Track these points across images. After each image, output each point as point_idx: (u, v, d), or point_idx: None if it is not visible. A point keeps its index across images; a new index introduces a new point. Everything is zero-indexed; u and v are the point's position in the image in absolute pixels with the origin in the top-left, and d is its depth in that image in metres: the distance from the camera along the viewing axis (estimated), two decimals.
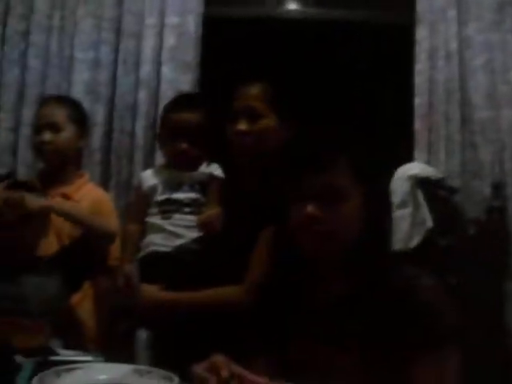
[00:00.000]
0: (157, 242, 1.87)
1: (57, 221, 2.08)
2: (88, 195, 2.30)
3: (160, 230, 1.88)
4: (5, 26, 3.19)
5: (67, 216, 2.08)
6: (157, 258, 1.86)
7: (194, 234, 1.87)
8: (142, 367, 1.27)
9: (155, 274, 1.82)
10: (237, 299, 1.62)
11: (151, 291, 1.75)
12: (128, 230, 1.96)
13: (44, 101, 2.44)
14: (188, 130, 1.90)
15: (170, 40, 3.14)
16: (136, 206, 2.03)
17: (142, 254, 1.90)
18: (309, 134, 1.38)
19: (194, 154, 1.92)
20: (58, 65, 3.17)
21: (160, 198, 1.91)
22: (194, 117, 1.92)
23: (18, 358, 1.18)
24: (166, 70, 3.10)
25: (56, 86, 3.14)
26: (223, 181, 1.95)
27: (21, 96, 3.14)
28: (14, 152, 3.09)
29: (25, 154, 3.02)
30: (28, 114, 3.01)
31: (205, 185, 1.95)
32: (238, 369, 1.09)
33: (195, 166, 1.95)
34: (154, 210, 1.92)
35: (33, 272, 1.87)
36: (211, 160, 2.01)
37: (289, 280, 1.37)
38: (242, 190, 1.86)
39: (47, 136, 2.25)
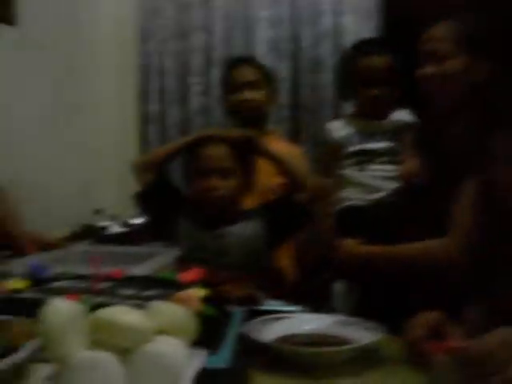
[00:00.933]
0: (353, 196, 1.84)
1: (262, 177, 2.08)
2: (282, 151, 2.30)
3: (356, 183, 1.84)
4: None
5: (281, 161, 1.97)
6: (354, 211, 1.83)
7: (391, 185, 1.81)
8: (346, 318, 1.27)
9: (353, 228, 1.79)
10: (444, 254, 1.49)
11: (350, 245, 1.72)
12: (322, 183, 1.94)
13: (235, 62, 2.47)
14: (379, 75, 1.82)
15: None
16: (327, 158, 2.00)
17: (338, 207, 1.88)
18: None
19: (385, 100, 1.85)
20: (241, 26, 3.24)
21: (353, 148, 1.87)
22: (384, 61, 1.84)
23: (229, 307, 1.23)
24: (348, 20, 3.03)
25: (240, 46, 3.21)
26: (416, 127, 1.86)
27: (208, 59, 3.26)
28: (207, 113, 3.24)
29: (216, 114, 3.15)
30: (216, 76, 3.12)
31: (397, 133, 1.87)
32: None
33: (386, 114, 1.88)
34: (348, 161, 1.88)
35: (235, 225, 1.92)
36: (401, 106, 1.93)
37: (498, 232, 1.27)
38: (439, 137, 1.75)
39: (247, 94, 2.30)
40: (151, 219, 2.09)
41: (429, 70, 1.64)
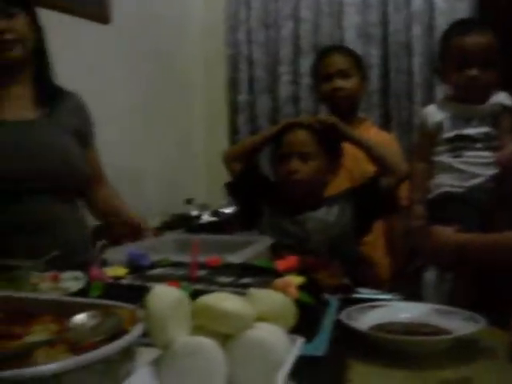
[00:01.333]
0: (448, 183, 1.78)
1: (348, 161, 2.09)
2: (374, 139, 2.28)
3: (451, 169, 1.78)
4: None
5: (366, 146, 1.98)
6: (449, 199, 1.77)
7: (488, 172, 1.75)
8: (443, 307, 1.25)
9: (447, 216, 1.74)
10: None
11: (446, 233, 1.67)
12: (415, 170, 1.90)
13: (326, 50, 2.46)
14: (478, 54, 1.74)
15: None
16: (421, 144, 1.94)
17: (432, 194, 1.83)
18: None
19: (484, 82, 1.76)
20: (329, 13, 3.21)
21: (448, 134, 1.81)
22: (484, 39, 1.75)
23: (325, 295, 1.23)
24: (440, 1, 2.94)
25: (328, 34, 3.19)
26: None
27: (297, 48, 3.25)
28: (296, 102, 3.24)
29: (306, 103, 3.15)
30: (305, 65, 3.11)
31: (496, 117, 1.79)
32: None
33: (485, 97, 1.80)
34: (443, 147, 1.82)
35: (317, 211, 1.93)
36: (500, 88, 1.84)
37: None
38: None
39: (339, 82, 2.30)
40: (241, 208, 2.13)
41: None
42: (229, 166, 2.06)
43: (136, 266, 1.21)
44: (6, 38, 1.70)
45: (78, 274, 1.21)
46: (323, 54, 2.44)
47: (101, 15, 2.73)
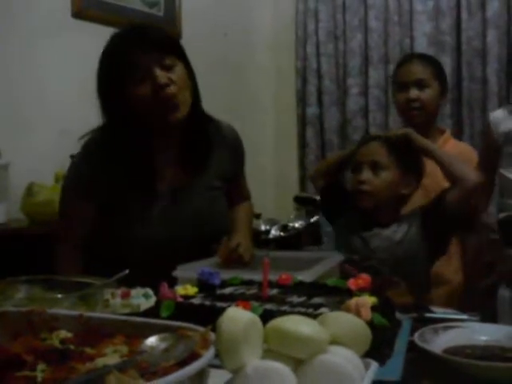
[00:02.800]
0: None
1: (426, 178, 1.96)
2: (453, 151, 2.20)
3: None
4: None
5: (438, 156, 1.85)
6: None
7: None
8: None
9: None
10: None
11: None
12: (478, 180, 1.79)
13: (406, 58, 2.40)
14: None
15: None
16: (485, 153, 1.83)
17: (503, 215, 1.73)
18: None
19: None
20: (398, 22, 3.16)
21: None
22: None
23: (397, 315, 1.20)
24: None
25: (398, 43, 3.14)
26: None
27: (365, 59, 3.22)
28: (365, 115, 3.20)
29: (375, 115, 3.10)
30: (374, 76, 3.08)
31: None
32: None
33: None
34: (510, 158, 1.71)
35: (387, 228, 1.87)
36: None
37: None
38: None
39: (415, 93, 2.23)
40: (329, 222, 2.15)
41: None
42: (314, 183, 2.10)
43: (206, 285, 1.21)
44: (170, 91, 1.53)
45: (148, 291, 1.22)
46: (402, 61, 2.38)
47: (173, 32, 2.82)
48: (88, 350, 0.75)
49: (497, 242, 1.69)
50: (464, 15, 2.99)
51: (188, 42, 2.85)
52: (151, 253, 1.63)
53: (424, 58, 2.35)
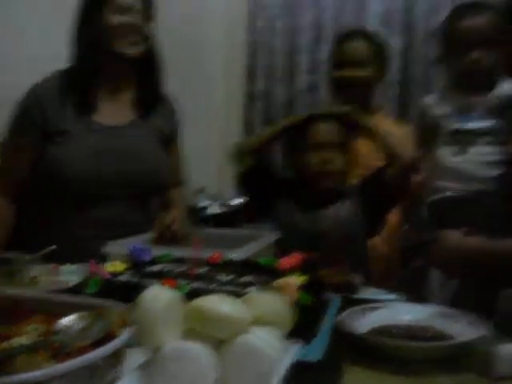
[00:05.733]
0: (452, 186, 1.71)
1: (362, 158, 1.99)
2: (388, 129, 2.22)
3: (454, 170, 1.70)
4: None
5: (375, 134, 1.88)
6: (454, 202, 1.71)
7: (494, 172, 1.67)
8: (447, 310, 1.22)
9: (451, 220, 1.68)
10: None
11: (455, 237, 1.58)
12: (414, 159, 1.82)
13: (346, 36, 2.32)
14: (477, 35, 1.64)
15: None
16: (421, 136, 1.86)
17: (437, 197, 1.76)
18: None
19: (487, 65, 1.67)
20: (352, 1, 3.17)
21: (450, 127, 1.72)
22: (484, 20, 1.66)
23: (327, 294, 1.22)
24: None
25: (350, 22, 3.13)
26: None
27: (317, 37, 3.21)
28: (314, 92, 3.20)
29: (322, 93, 3.10)
30: (325, 54, 3.07)
31: (502, 109, 1.70)
32: None
33: (490, 84, 1.70)
34: (445, 142, 1.74)
35: (331, 207, 1.88)
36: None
37: None
38: None
39: (350, 71, 2.19)
40: (251, 201, 2.10)
41: None
42: (239, 161, 1.99)
43: (137, 261, 1.20)
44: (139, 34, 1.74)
45: (77, 267, 1.21)
46: (340, 39, 2.32)
47: None
48: (6, 329, 0.74)
49: (426, 223, 1.72)
50: None
51: None
52: (88, 185, 1.70)
53: (364, 36, 2.31)
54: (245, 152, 1.95)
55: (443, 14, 2.81)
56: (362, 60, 2.20)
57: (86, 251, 1.21)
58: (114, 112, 1.80)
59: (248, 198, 2.11)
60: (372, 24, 3.05)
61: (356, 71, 2.19)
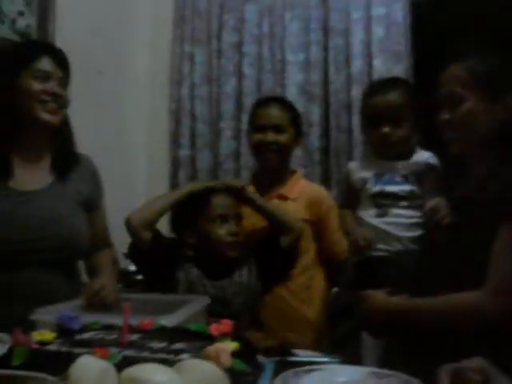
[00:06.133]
0: (375, 247, 1.79)
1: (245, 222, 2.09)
2: (303, 192, 2.29)
3: (376, 230, 1.79)
4: (219, 40, 3.37)
5: (269, 211, 2.05)
6: (376, 262, 1.78)
7: (413, 233, 1.76)
8: (381, 370, 1.23)
9: (375, 279, 1.73)
10: (479, 307, 1.37)
11: (378, 297, 1.59)
12: (344, 215, 1.95)
13: (265, 101, 2.40)
14: (388, 112, 1.78)
15: (378, 32, 3.07)
16: (345, 198, 1.98)
17: (359, 257, 1.83)
18: None
19: (397, 138, 1.80)
20: (271, 70, 3.27)
21: (372, 190, 1.82)
22: (394, 97, 1.81)
23: (260, 358, 1.20)
24: (378, 63, 3.02)
25: (271, 90, 3.23)
26: (440, 170, 1.81)
27: (239, 105, 3.29)
28: (237, 158, 3.25)
29: (246, 159, 3.15)
30: (246, 121, 3.14)
31: (420, 175, 1.82)
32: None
33: (402, 153, 1.83)
34: (366, 202, 1.83)
35: (233, 274, 1.97)
36: (426, 148, 1.88)
37: None
38: (467, 180, 1.67)
39: (272, 136, 2.26)
40: (147, 275, 2.09)
41: (444, 115, 1.56)
42: (138, 235, 1.94)
43: (66, 330, 1.16)
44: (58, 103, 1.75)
45: (2, 336, 1.15)
46: (260, 104, 2.40)
47: None
48: None
49: (353, 285, 1.77)
50: (332, 69, 3.14)
51: None
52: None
53: (282, 103, 2.39)
54: (143, 226, 1.93)
55: (356, 88, 3.00)
56: (280, 124, 2.28)
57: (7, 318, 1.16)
58: (32, 177, 1.78)
59: (146, 273, 2.09)
60: (291, 93, 3.16)
61: (274, 135, 2.25)
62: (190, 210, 1.99)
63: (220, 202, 1.97)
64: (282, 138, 2.28)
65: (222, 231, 1.93)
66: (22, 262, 1.68)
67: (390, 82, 1.98)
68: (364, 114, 1.93)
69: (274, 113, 2.32)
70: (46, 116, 1.73)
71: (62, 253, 1.76)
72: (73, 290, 1.77)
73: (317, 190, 2.40)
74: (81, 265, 1.96)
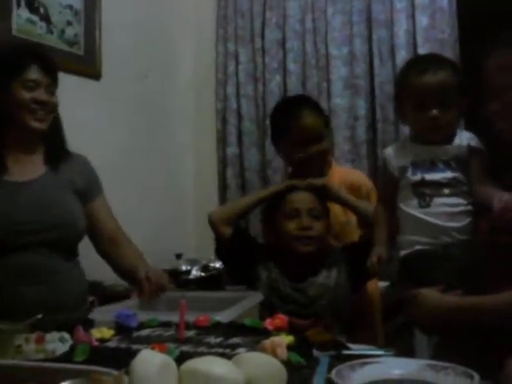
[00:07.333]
0: (419, 240, 1.71)
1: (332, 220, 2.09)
2: (342, 179, 2.23)
3: (420, 223, 1.69)
4: (263, 37, 3.39)
5: (353, 205, 2.06)
6: (424, 257, 1.70)
7: (461, 223, 1.68)
8: (437, 362, 1.22)
9: (424, 274, 1.67)
10: None
11: (433, 296, 1.50)
12: (378, 214, 1.82)
13: (297, 112, 2.19)
14: (437, 94, 1.63)
15: (422, 21, 3.03)
16: (384, 188, 1.89)
17: (404, 252, 1.76)
18: None
19: (446, 122, 1.66)
20: (316, 65, 3.27)
21: (412, 179, 1.74)
22: (442, 77, 1.66)
23: (315, 352, 1.21)
24: (423, 53, 2.99)
25: (316, 85, 3.23)
26: (485, 153, 1.72)
27: None
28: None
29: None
30: None
31: (462, 160, 1.73)
32: None
33: (448, 137, 1.74)
34: (406, 193, 1.74)
35: (318, 275, 1.96)
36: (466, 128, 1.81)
37: None
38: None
39: (313, 149, 2.14)
40: (230, 269, 2.13)
41: (496, 105, 1.48)
42: (218, 230, 2.04)
43: (123, 327, 1.19)
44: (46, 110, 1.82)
45: (64, 335, 1.19)
46: (293, 115, 2.19)
47: (93, 72, 2.84)
48: None
49: (402, 282, 1.72)
50: (376, 61, 3.11)
51: (108, 81, 2.86)
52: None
53: (314, 110, 2.24)
54: (223, 222, 2.00)
55: None
56: (319, 133, 2.17)
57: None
58: (25, 170, 1.85)
59: (229, 270, 2.14)
60: (336, 87, 3.15)
61: (315, 147, 2.15)
62: (269, 207, 2.05)
63: (294, 198, 1.99)
64: (323, 145, 2.18)
65: (292, 225, 1.94)
66: (18, 244, 1.73)
67: (435, 60, 1.80)
68: (407, 96, 1.79)
69: (311, 123, 2.17)
70: (35, 124, 1.81)
71: (56, 233, 1.81)
72: (72, 271, 1.85)
73: (353, 174, 2.37)
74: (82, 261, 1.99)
